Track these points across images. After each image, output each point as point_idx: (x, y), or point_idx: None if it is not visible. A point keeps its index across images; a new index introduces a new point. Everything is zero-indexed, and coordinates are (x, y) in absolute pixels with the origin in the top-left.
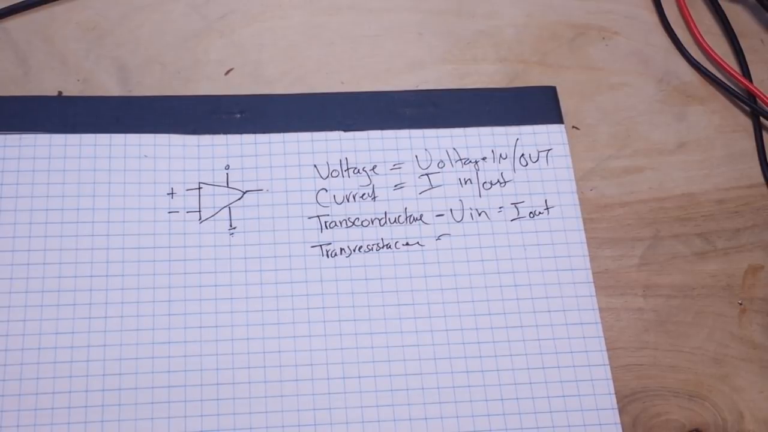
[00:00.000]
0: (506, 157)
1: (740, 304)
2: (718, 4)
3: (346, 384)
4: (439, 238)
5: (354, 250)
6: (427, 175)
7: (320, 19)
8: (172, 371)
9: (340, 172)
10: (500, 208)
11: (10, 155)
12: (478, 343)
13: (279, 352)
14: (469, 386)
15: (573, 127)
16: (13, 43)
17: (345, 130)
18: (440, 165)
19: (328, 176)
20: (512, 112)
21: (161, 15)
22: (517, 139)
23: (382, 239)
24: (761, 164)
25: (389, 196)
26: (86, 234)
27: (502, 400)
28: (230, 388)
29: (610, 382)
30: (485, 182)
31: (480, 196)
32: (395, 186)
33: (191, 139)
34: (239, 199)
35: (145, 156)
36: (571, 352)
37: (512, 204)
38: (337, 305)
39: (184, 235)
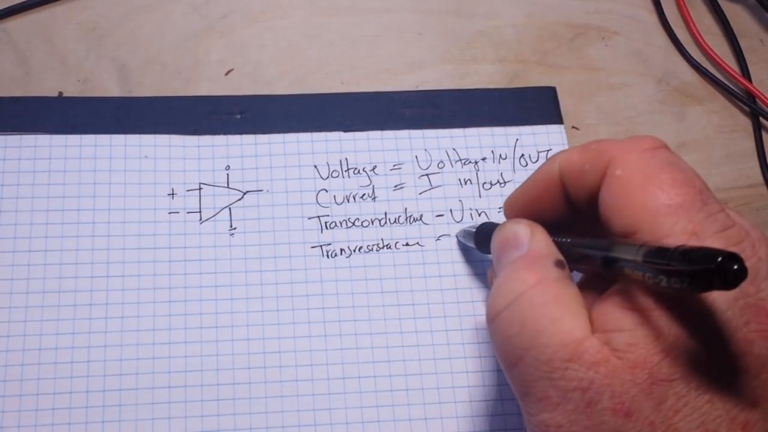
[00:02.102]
0: (506, 158)
1: None
2: (718, 4)
3: (346, 384)
4: (439, 239)
5: (354, 251)
6: (426, 175)
7: (320, 19)
8: (172, 372)
9: (340, 172)
10: (500, 208)
11: (11, 156)
12: (478, 343)
13: (279, 352)
14: (468, 386)
15: (573, 127)
16: (14, 43)
17: (345, 131)
18: (440, 165)
19: (328, 177)
20: (512, 112)
21: (161, 15)
22: (517, 140)
23: (382, 239)
24: (761, 164)
25: (389, 197)
26: (87, 235)
27: (501, 400)
28: (230, 389)
29: None
30: (485, 183)
31: (480, 196)
32: (395, 186)
33: (191, 140)
34: (239, 199)
35: (146, 156)
36: None
37: None
38: (337, 305)
39: (184, 236)
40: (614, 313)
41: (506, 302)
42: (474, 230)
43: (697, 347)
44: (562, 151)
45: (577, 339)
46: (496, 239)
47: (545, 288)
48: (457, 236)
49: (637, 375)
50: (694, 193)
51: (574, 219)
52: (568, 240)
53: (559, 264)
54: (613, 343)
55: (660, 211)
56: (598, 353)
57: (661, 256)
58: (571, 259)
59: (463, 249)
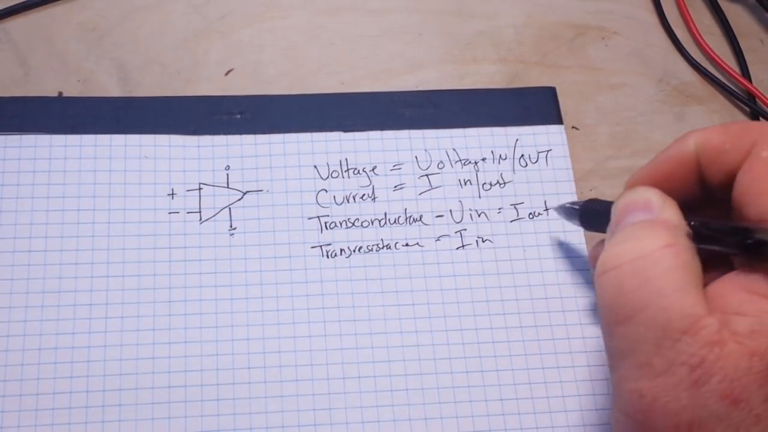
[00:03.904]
0: (506, 158)
1: None
2: (718, 4)
3: (346, 384)
4: (438, 239)
5: (354, 251)
6: (426, 175)
7: (320, 19)
8: (172, 371)
9: (340, 172)
10: (499, 209)
11: (11, 156)
12: (478, 343)
13: (279, 352)
14: (468, 386)
15: (573, 127)
16: (13, 43)
17: (345, 131)
18: (440, 166)
19: (328, 177)
20: (512, 112)
21: (161, 15)
22: (517, 140)
23: (381, 240)
24: None
25: (389, 197)
26: (87, 235)
27: (501, 400)
28: (230, 389)
29: (609, 383)
30: (485, 183)
31: (479, 197)
32: (395, 187)
33: (191, 140)
34: (239, 199)
35: (146, 157)
36: (570, 352)
37: (511, 205)
38: (336, 306)
39: (184, 236)
40: (738, 295)
41: (631, 256)
42: (576, 207)
43: None
44: (696, 130)
45: (699, 314)
46: (623, 201)
47: (677, 253)
48: (555, 210)
49: (755, 363)
50: None
51: (701, 203)
52: (696, 223)
53: (690, 237)
54: (733, 326)
55: None
56: (716, 334)
57: None
58: (696, 241)
59: (565, 220)
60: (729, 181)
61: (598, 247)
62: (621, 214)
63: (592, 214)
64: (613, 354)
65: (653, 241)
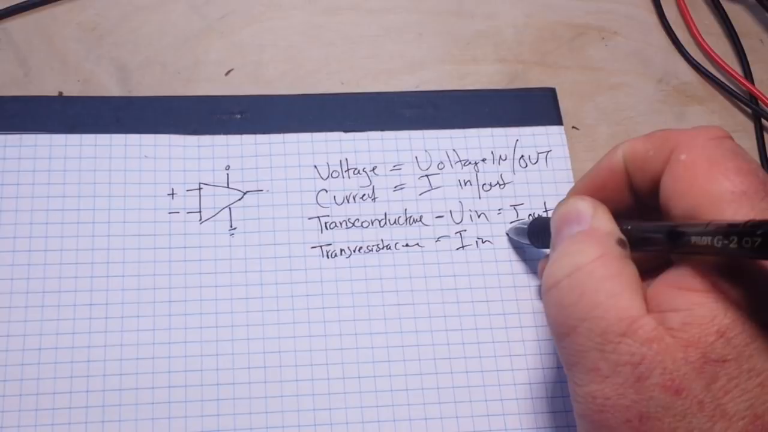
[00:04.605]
0: (506, 159)
1: None
2: (720, 4)
3: (346, 384)
4: (438, 240)
5: (354, 251)
6: (426, 176)
7: (320, 19)
8: (172, 371)
9: (340, 172)
10: (499, 210)
11: (11, 155)
12: (478, 343)
13: (279, 352)
14: (468, 386)
15: (573, 127)
16: (14, 43)
17: (345, 131)
18: (440, 166)
19: (328, 177)
20: (512, 113)
21: (161, 15)
22: (517, 141)
23: (381, 240)
24: (762, 165)
25: (389, 197)
26: (87, 234)
27: (501, 400)
28: (230, 389)
29: None
30: (485, 184)
31: (479, 197)
32: (395, 187)
33: (191, 140)
34: (240, 199)
35: (146, 156)
36: None
37: (511, 206)
38: (337, 306)
39: (184, 236)
40: (670, 293)
41: (566, 272)
42: (525, 226)
43: (751, 331)
44: (624, 141)
45: (633, 316)
46: (557, 213)
47: (607, 263)
48: (507, 233)
49: (690, 354)
50: (758, 182)
51: (635, 210)
52: (629, 227)
53: (621, 243)
54: (668, 322)
55: (723, 197)
56: (652, 331)
57: (731, 226)
58: (631, 244)
59: (516, 246)
60: (655, 188)
61: (545, 262)
62: (557, 228)
63: (537, 233)
64: (565, 364)
65: (585, 255)
